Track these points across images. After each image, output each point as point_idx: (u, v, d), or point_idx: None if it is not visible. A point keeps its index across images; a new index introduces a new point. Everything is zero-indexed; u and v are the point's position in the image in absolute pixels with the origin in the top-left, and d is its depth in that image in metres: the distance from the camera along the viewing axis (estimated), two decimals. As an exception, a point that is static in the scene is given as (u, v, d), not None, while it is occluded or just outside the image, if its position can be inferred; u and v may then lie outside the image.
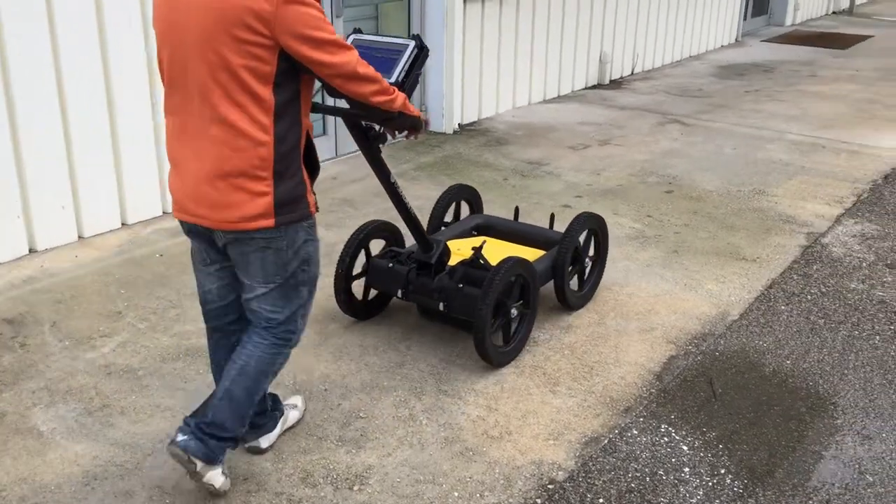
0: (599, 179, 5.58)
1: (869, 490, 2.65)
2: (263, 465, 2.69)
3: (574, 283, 3.74)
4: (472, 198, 4.13)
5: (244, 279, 2.41)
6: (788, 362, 3.39)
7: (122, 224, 4.58)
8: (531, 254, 3.64)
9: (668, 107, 7.58)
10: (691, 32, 9.89)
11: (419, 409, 2.99)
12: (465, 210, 4.20)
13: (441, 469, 2.69)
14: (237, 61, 2.13)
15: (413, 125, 2.56)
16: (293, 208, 2.31)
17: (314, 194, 2.40)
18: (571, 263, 3.63)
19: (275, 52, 2.15)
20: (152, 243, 4.37)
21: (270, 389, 2.73)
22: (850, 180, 5.62)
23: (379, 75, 2.35)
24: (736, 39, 11.02)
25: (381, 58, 2.55)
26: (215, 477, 2.44)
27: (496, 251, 3.58)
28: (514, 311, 3.26)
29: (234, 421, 2.44)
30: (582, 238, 3.69)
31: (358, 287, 3.58)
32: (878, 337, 3.59)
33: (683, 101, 7.78)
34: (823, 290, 4.04)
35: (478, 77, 6.86)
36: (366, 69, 2.29)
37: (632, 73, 8.97)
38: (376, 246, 3.68)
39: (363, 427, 2.89)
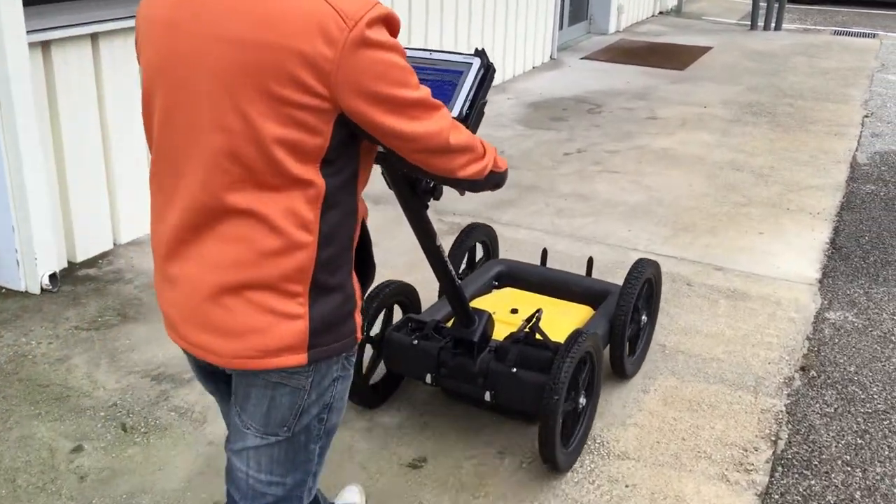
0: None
1: None
2: None
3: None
4: (489, 238, 3.39)
5: (235, 416, 1.56)
6: None
7: None
8: (574, 311, 2.99)
9: (451, 193, 4.88)
10: (492, 54, 7.28)
11: None
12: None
13: None
14: (272, 132, 1.33)
15: (498, 183, 1.73)
16: (334, 336, 1.49)
17: (363, 312, 1.71)
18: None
19: (330, 119, 1.35)
20: None
21: (321, 483, 1.81)
22: (747, 386, 3.12)
23: (474, 139, 1.58)
24: (551, 57, 8.53)
25: (435, 81, 1.77)
26: None
27: (530, 308, 2.85)
28: (581, 401, 2.59)
29: None
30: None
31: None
32: None
33: (475, 179, 5.12)
34: None
35: (107, 170, 3.88)
36: (459, 136, 1.51)
37: (408, 121, 6.24)
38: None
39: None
